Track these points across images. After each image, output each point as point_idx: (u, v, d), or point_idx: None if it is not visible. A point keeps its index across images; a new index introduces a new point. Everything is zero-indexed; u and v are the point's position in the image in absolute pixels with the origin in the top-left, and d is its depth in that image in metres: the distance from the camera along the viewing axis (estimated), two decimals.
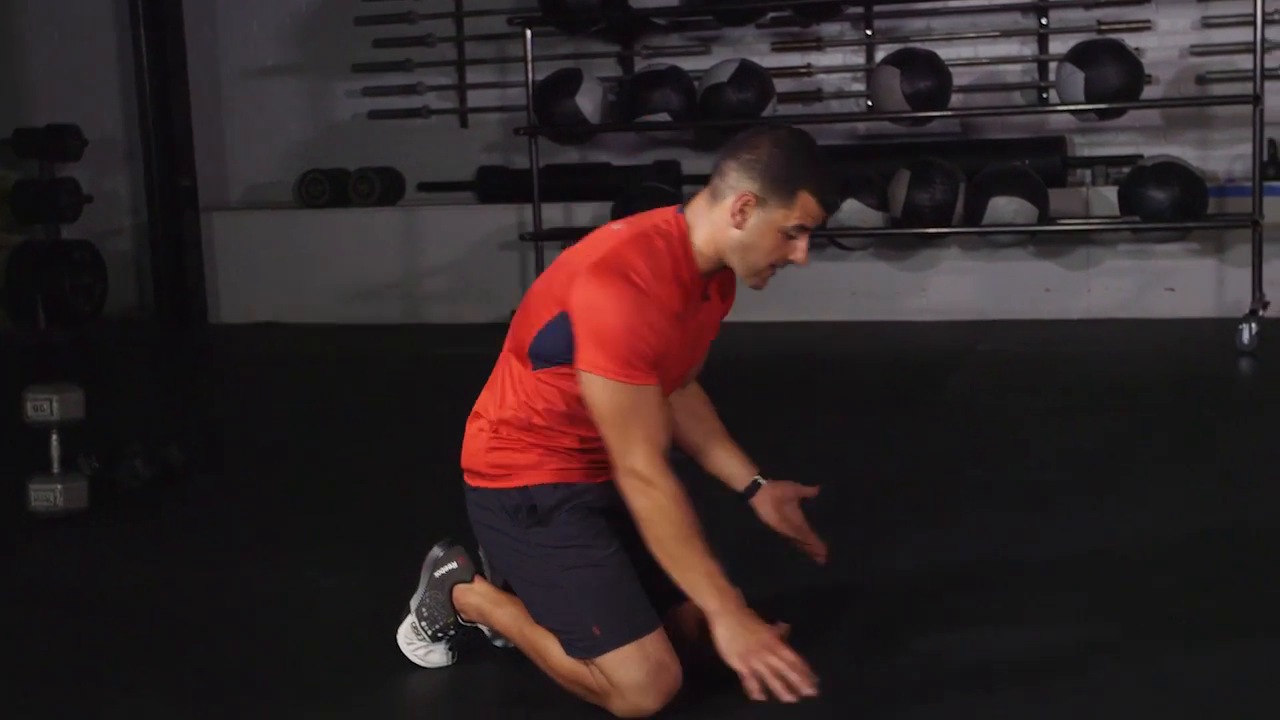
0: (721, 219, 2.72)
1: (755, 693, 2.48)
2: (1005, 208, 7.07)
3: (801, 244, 2.75)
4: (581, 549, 2.75)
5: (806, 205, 2.71)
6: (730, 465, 3.02)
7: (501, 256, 8.27)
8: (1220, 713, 2.70)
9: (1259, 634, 3.07)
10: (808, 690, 2.45)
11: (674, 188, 7.83)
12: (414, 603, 3.04)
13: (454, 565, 3.02)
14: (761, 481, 3.00)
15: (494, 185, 8.55)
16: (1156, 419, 5.26)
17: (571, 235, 7.94)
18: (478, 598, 2.98)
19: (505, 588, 3.04)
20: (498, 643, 3.09)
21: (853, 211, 7.24)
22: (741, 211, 2.70)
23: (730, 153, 2.74)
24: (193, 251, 8.75)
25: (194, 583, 3.76)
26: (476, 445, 2.86)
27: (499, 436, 2.82)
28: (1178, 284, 7.39)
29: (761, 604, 2.66)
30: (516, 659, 3.01)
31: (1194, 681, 2.82)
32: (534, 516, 2.78)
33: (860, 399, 5.86)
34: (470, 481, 2.88)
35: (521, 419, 2.79)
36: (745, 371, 6.50)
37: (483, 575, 3.03)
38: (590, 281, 2.63)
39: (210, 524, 4.37)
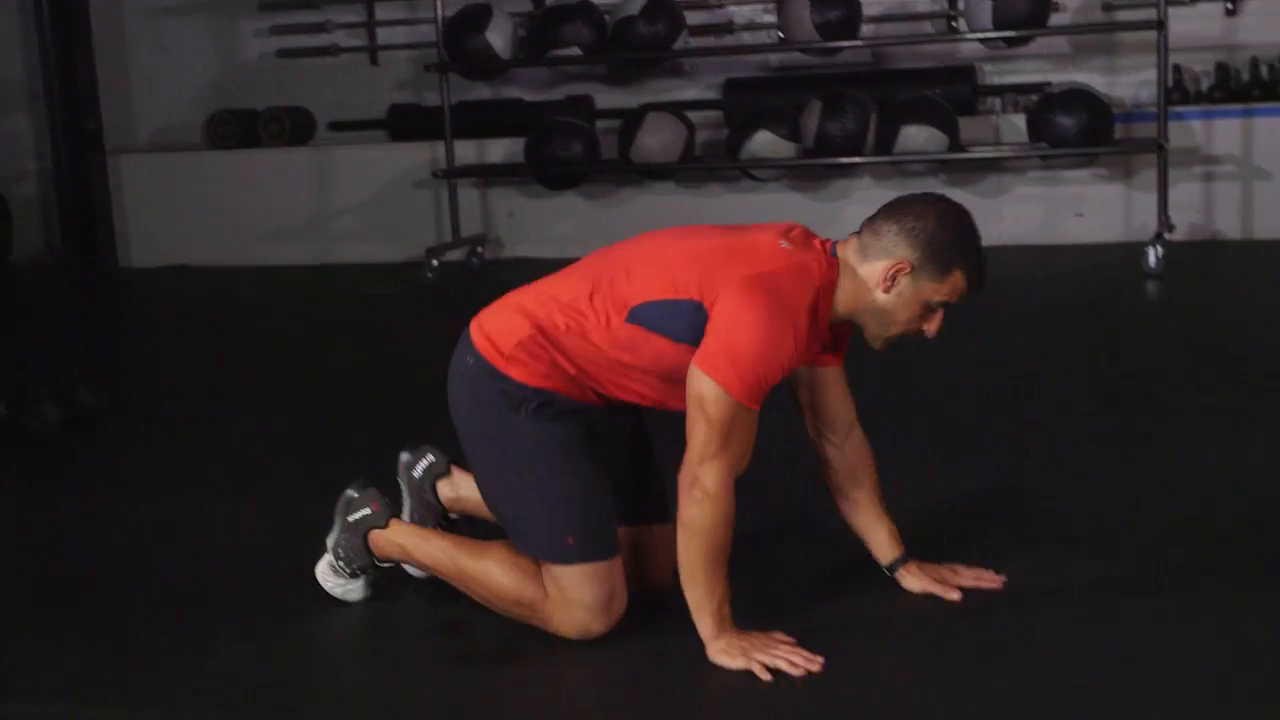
0: (869, 279, 2.69)
1: (764, 676, 2.57)
2: (916, 136, 7.11)
3: (937, 319, 2.74)
4: (571, 455, 2.75)
5: (956, 284, 2.69)
6: (877, 534, 2.94)
7: (415, 195, 8.22)
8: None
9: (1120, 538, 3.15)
10: (814, 665, 2.57)
11: (587, 122, 7.80)
12: (330, 542, 3.03)
13: (368, 511, 3.01)
14: (903, 562, 2.92)
15: (406, 123, 8.47)
16: (1065, 341, 5.34)
17: (484, 172, 7.92)
18: (397, 544, 2.98)
19: (426, 513, 3.06)
20: (413, 570, 3.11)
21: (765, 143, 7.26)
22: (893, 278, 2.67)
23: (891, 215, 2.70)
24: (100, 195, 8.61)
25: (106, 524, 3.74)
26: (510, 327, 2.76)
27: (533, 341, 2.73)
28: (1086, 209, 7.48)
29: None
30: (436, 587, 3.02)
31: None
32: (532, 409, 2.73)
33: None
34: (481, 348, 2.78)
35: (564, 342, 2.72)
36: None
37: (398, 518, 3.04)
38: (748, 296, 2.59)
39: (122, 466, 4.34)
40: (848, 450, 2.91)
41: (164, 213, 8.57)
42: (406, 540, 2.97)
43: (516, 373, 2.74)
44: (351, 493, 3.03)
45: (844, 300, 2.72)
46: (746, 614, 2.67)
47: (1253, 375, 4.70)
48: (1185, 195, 7.23)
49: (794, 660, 2.58)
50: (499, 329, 2.78)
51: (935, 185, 7.58)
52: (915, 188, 7.53)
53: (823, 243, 2.74)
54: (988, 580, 2.90)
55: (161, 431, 4.75)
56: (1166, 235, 6.66)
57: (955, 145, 7.19)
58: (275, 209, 8.41)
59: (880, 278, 2.68)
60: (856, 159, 7.26)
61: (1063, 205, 7.51)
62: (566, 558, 2.73)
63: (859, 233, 2.73)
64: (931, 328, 2.74)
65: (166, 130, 8.99)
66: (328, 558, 3.04)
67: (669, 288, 2.66)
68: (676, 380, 2.68)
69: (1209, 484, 3.59)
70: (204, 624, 3.02)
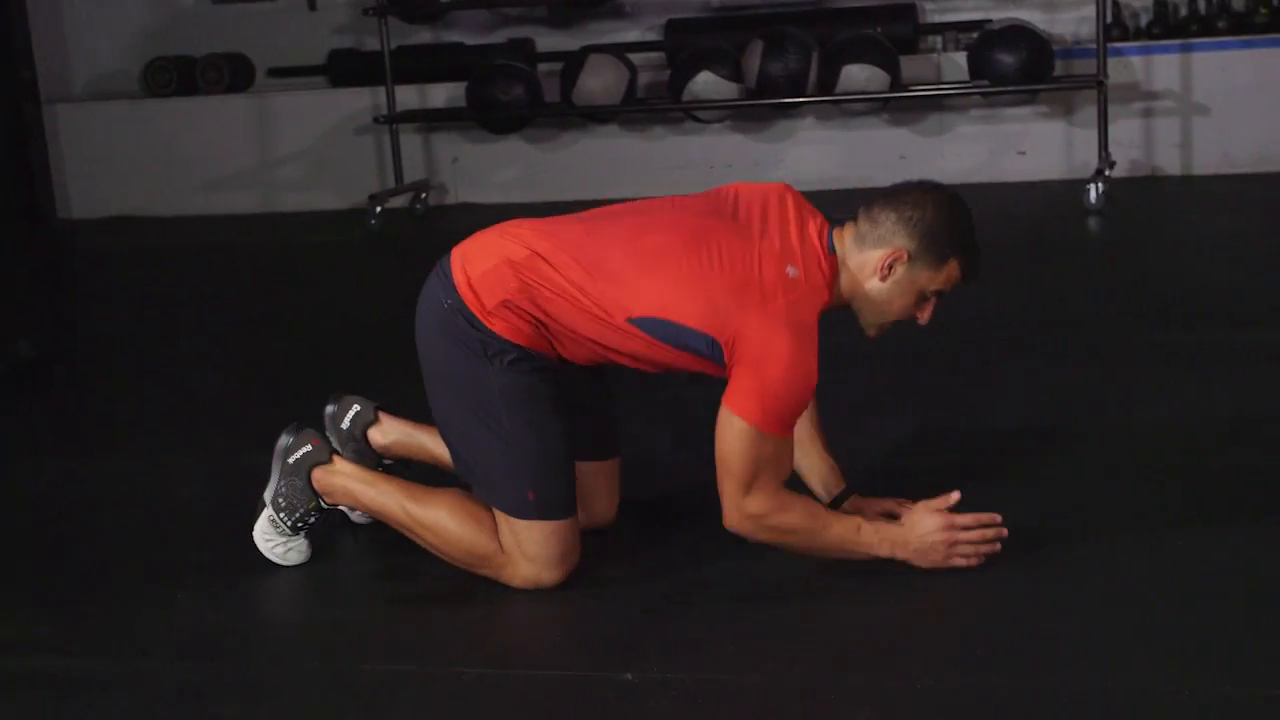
0: (866, 266, 2.71)
1: (975, 563, 2.71)
2: (858, 75, 7.11)
3: (930, 307, 2.76)
4: (538, 410, 2.74)
5: (951, 273, 2.72)
6: (820, 471, 2.97)
7: (356, 141, 8.16)
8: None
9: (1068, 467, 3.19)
10: (1000, 534, 2.72)
11: (528, 65, 7.76)
12: (268, 495, 2.97)
13: (308, 448, 2.96)
14: (846, 497, 2.94)
15: (346, 69, 8.40)
16: (1007, 278, 5.37)
17: (426, 117, 7.87)
18: (343, 478, 2.94)
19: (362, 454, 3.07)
20: (355, 517, 3.11)
21: (707, 84, 7.24)
22: (890, 267, 2.69)
23: (889, 204, 2.71)
24: (37, 145, 8.50)
25: (51, 476, 3.73)
26: (496, 281, 2.72)
27: (518, 303, 2.71)
28: (1028, 147, 7.51)
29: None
30: (380, 533, 3.03)
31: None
32: (507, 361, 2.72)
33: None
34: (463, 293, 2.73)
35: (552, 313, 2.71)
36: None
37: (339, 454, 3.02)
38: (771, 335, 2.59)
39: (65, 418, 4.32)
40: (815, 452, 2.96)
41: (103, 163, 8.47)
42: (353, 484, 2.93)
43: (497, 327, 2.72)
44: (286, 437, 2.98)
45: (843, 291, 2.74)
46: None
47: (1193, 310, 4.75)
48: (1125, 131, 7.27)
49: (985, 539, 2.69)
50: (483, 279, 2.73)
51: (878, 124, 7.61)
52: (858, 127, 7.61)
53: (819, 231, 2.73)
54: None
55: (105, 383, 4.72)
56: (1107, 172, 6.70)
57: (897, 84, 7.20)
58: (216, 157, 8.33)
59: (877, 266, 2.70)
60: (799, 99, 7.26)
61: (1004, 143, 7.54)
62: (524, 513, 2.74)
63: (854, 219, 2.74)
64: (924, 315, 2.78)
65: (103, 78, 8.87)
66: (266, 513, 2.96)
67: (671, 309, 2.65)
68: (666, 369, 2.76)
69: (1151, 417, 3.64)
70: (152, 574, 3.01)
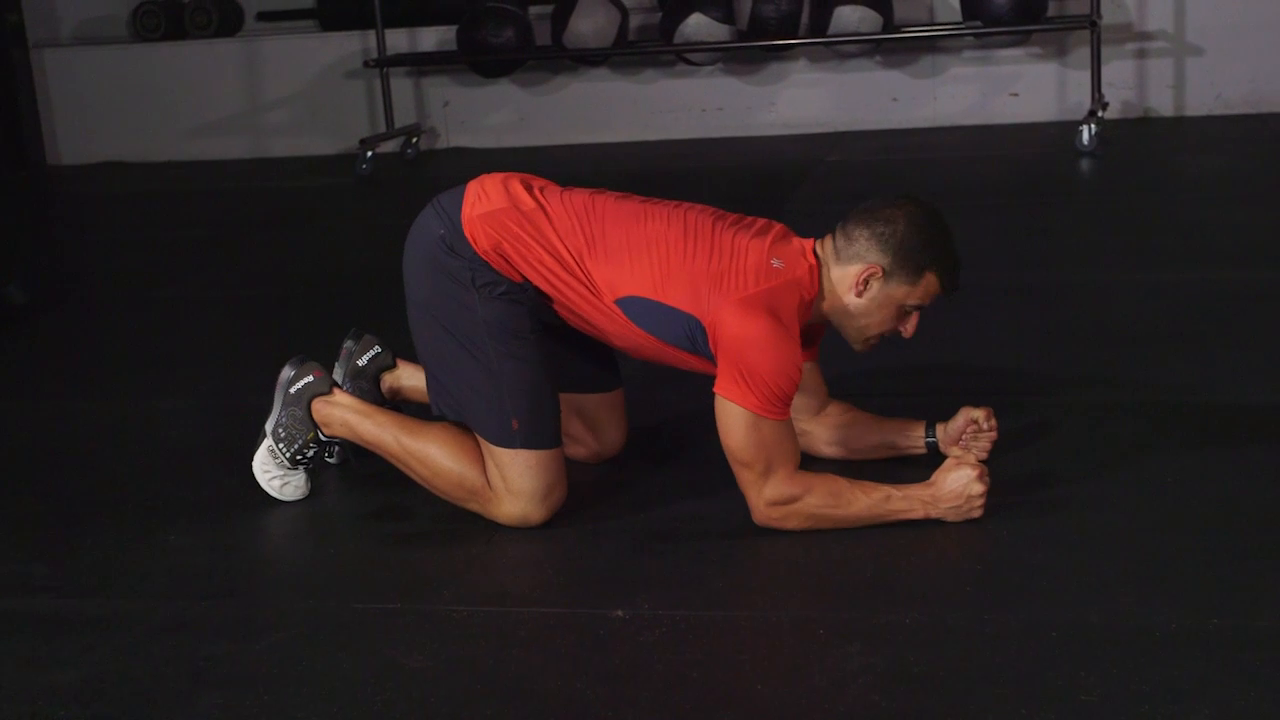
0: (842, 283, 2.72)
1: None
2: (850, 16, 7.07)
3: (913, 320, 2.77)
4: (523, 342, 2.77)
5: (929, 286, 2.72)
6: (892, 430, 2.99)
7: (346, 85, 8.12)
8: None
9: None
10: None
11: (519, 8, 7.71)
12: (269, 426, 3.00)
13: (310, 379, 2.99)
14: (935, 434, 2.97)
15: (336, 12, 8.34)
16: (1001, 220, 5.37)
17: (416, 61, 7.82)
18: (341, 410, 2.96)
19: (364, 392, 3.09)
20: (332, 460, 3.12)
21: (699, 26, 7.20)
22: (865, 283, 2.70)
23: (863, 220, 2.72)
24: (25, 91, 8.45)
25: (40, 417, 3.73)
26: (496, 228, 2.75)
27: (511, 258, 2.75)
28: (1021, 89, 7.48)
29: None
30: (374, 469, 3.04)
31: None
32: (497, 292, 2.75)
33: None
34: (466, 224, 2.77)
35: (544, 277, 2.75)
36: None
37: (339, 386, 3.04)
38: (748, 318, 2.62)
39: (57, 361, 4.32)
40: (826, 418, 2.99)
41: (92, 108, 8.43)
42: (350, 415, 2.95)
43: (493, 262, 2.76)
44: (289, 370, 3.01)
45: (825, 303, 2.76)
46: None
47: (1185, 251, 4.75)
48: (1118, 72, 7.25)
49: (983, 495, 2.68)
50: (486, 219, 2.76)
51: (870, 67, 7.57)
52: (850, 69, 7.58)
53: (801, 243, 2.76)
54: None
55: (97, 327, 4.71)
56: (1100, 113, 6.68)
57: (889, 25, 7.16)
58: (206, 102, 8.29)
59: (852, 282, 2.72)
60: (791, 41, 7.23)
61: (997, 85, 7.51)
62: (509, 442, 2.76)
63: (833, 235, 2.75)
64: (908, 329, 2.79)
65: (90, 23, 8.81)
66: (266, 443, 3.00)
67: (659, 290, 2.69)
68: (645, 356, 2.80)
69: (1142, 356, 3.65)
70: (144, 514, 3.02)
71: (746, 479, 2.67)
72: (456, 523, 2.85)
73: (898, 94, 7.58)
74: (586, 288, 2.74)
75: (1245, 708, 2.05)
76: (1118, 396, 3.37)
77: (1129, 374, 3.52)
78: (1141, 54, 7.33)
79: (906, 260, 2.69)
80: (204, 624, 2.53)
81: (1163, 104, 7.34)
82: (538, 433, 2.77)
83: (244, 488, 3.02)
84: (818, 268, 2.74)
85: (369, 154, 7.31)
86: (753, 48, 7.41)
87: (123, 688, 2.32)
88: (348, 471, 3.12)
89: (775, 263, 2.69)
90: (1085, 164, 6.39)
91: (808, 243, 2.77)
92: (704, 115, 7.76)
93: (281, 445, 2.99)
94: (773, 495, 2.65)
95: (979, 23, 7.04)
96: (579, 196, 2.83)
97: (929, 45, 7.50)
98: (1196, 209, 5.39)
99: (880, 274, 2.70)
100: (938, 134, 7.37)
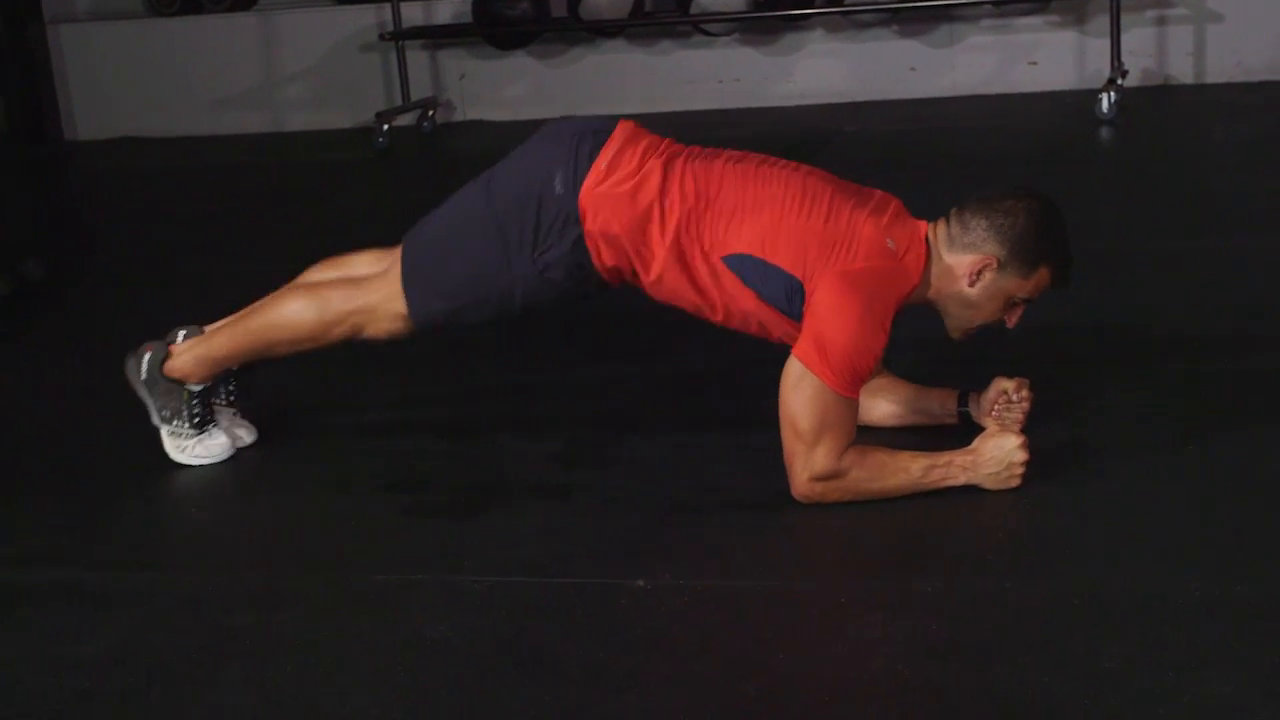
0: (953, 271, 2.71)
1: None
2: None
3: (1018, 313, 2.77)
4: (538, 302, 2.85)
5: (1041, 281, 2.72)
6: (928, 397, 2.99)
7: (363, 58, 8.10)
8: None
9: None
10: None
11: None
12: (154, 419, 3.07)
13: (147, 355, 3.06)
14: (966, 397, 2.95)
15: None
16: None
17: (432, 33, 7.80)
18: (186, 352, 3.04)
19: None
20: (232, 400, 3.16)
21: None
22: (979, 274, 2.70)
23: (981, 210, 2.71)
24: (42, 66, 8.45)
25: (61, 393, 3.74)
26: (622, 211, 2.74)
27: (624, 241, 2.76)
28: (1040, 57, 7.43)
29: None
30: (388, 444, 3.03)
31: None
32: (560, 265, 2.79)
33: None
34: (583, 201, 2.76)
35: (654, 250, 2.75)
36: None
37: (172, 343, 3.08)
38: (844, 292, 2.61)
39: (71, 334, 4.33)
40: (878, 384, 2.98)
41: (108, 83, 8.42)
42: (196, 349, 3.04)
43: (589, 245, 2.76)
44: (129, 365, 3.08)
45: (930, 288, 2.74)
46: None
47: (1205, 218, 4.72)
48: (1138, 40, 7.19)
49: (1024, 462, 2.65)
50: (610, 202, 2.75)
51: (888, 36, 7.53)
52: (867, 39, 7.54)
53: (916, 225, 2.75)
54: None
55: (116, 302, 4.72)
56: (1120, 81, 6.64)
57: None
58: (222, 77, 8.27)
59: (965, 271, 2.71)
60: (808, 11, 7.19)
61: (1016, 54, 7.46)
62: (417, 314, 2.86)
63: (947, 220, 2.74)
64: (1012, 320, 2.79)
65: None
66: (164, 432, 3.07)
67: (766, 248, 2.68)
68: (740, 318, 2.78)
69: (1162, 323, 3.63)
70: (165, 489, 3.03)
71: (795, 449, 2.63)
72: (475, 494, 2.85)
73: (916, 63, 7.53)
74: (699, 256, 2.72)
75: (1268, 674, 2.04)
76: (1140, 366, 3.36)
77: (1148, 343, 3.50)
78: (1161, 21, 7.27)
79: (1023, 253, 2.69)
80: (226, 596, 2.54)
81: (1183, 71, 7.29)
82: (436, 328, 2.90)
83: (266, 461, 3.03)
84: (926, 254, 2.72)
85: (385, 127, 7.29)
86: (769, 18, 7.37)
87: (145, 659, 2.33)
88: (360, 444, 3.12)
89: (889, 243, 2.68)
90: (1105, 132, 6.35)
91: (922, 226, 2.76)
92: (721, 86, 7.73)
93: (175, 422, 3.05)
94: (819, 469, 2.62)
95: None
96: (698, 163, 2.80)
97: (947, 14, 7.45)
98: (1217, 177, 5.36)
99: (995, 265, 2.69)
100: (956, 103, 7.32)
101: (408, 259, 2.89)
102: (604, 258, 2.77)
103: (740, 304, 2.75)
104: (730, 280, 2.72)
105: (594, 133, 2.81)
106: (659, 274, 2.76)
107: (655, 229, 2.74)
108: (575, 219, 2.76)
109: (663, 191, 2.74)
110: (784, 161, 2.84)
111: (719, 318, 2.81)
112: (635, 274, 2.79)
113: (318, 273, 3.10)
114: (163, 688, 2.24)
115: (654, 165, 2.77)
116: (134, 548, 2.77)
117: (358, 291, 2.91)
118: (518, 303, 2.83)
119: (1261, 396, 3.10)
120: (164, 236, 5.72)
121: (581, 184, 2.75)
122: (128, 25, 8.52)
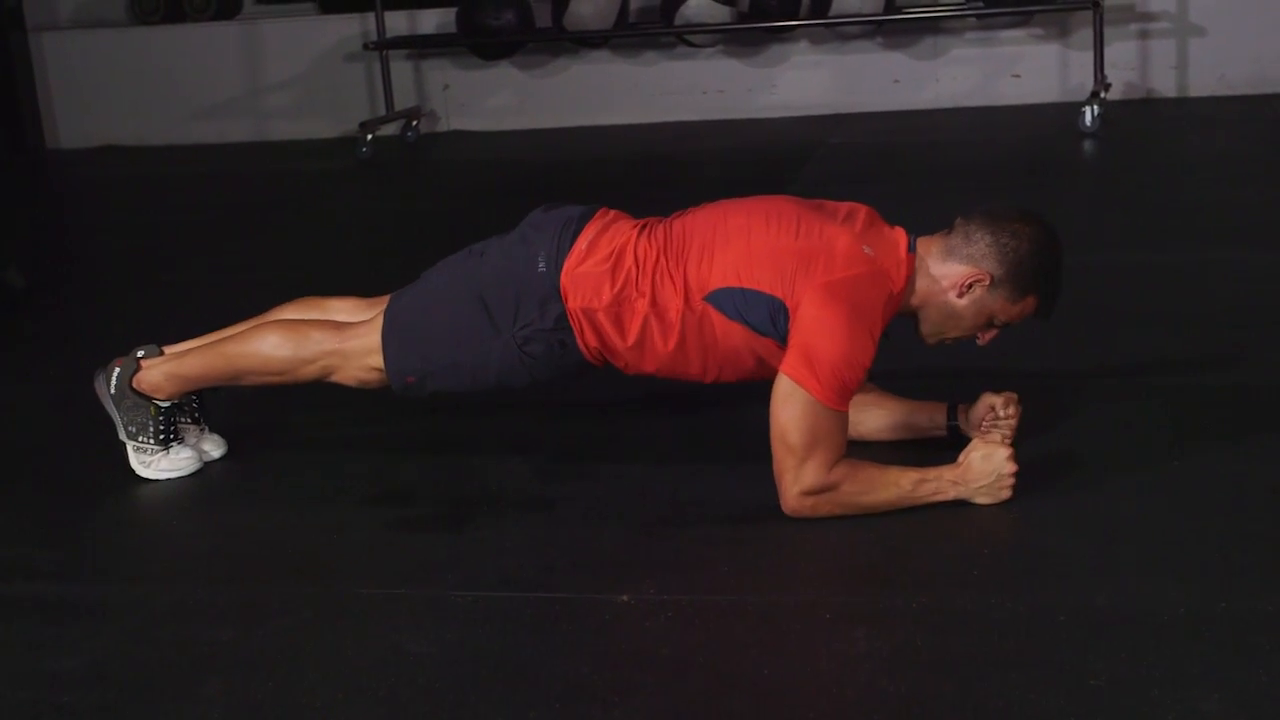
0: (944, 279, 2.71)
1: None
2: None
3: (993, 334, 2.78)
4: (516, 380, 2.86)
5: (1026, 308, 2.74)
6: (920, 415, 2.97)
7: (346, 68, 8.08)
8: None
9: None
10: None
11: None
12: (121, 434, 3.06)
13: (116, 370, 3.05)
14: (954, 410, 2.94)
15: None
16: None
17: (416, 43, 7.80)
18: (157, 368, 3.03)
19: None
20: (199, 418, 3.15)
21: (700, 7, 7.17)
22: (969, 286, 2.70)
23: (989, 225, 2.71)
24: (23, 75, 8.42)
25: (41, 401, 3.72)
26: (599, 277, 2.77)
27: (594, 314, 2.77)
28: (1023, 70, 7.45)
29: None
30: (376, 458, 3.02)
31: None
32: (539, 346, 2.81)
33: (711, 194, 5.86)
34: (564, 284, 2.79)
35: (621, 306, 2.77)
36: (599, 174, 6.50)
37: (141, 358, 3.07)
38: (828, 303, 2.61)
39: (52, 343, 4.30)
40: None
41: (90, 92, 8.40)
42: (168, 365, 3.03)
43: (573, 323, 2.78)
44: (98, 381, 3.08)
45: (915, 296, 2.74)
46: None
47: (1188, 231, 4.73)
48: (1121, 53, 7.22)
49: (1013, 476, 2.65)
50: (591, 280, 2.77)
51: (872, 48, 7.54)
52: (851, 51, 7.55)
53: (893, 232, 2.75)
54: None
55: (96, 311, 4.70)
56: (1102, 94, 6.66)
57: (891, 6, 7.14)
58: (205, 86, 8.25)
59: (957, 281, 2.71)
60: (792, 23, 7.20)
61: (999, 66, 7.48)
62: (397, 380, 2.88)
63: (949, 232, 2.74)
64: (985, 339, 2.80)
65: (89, 6, 8.77)
66: (129, 449, 3.06)
67: (743, 275, 2.69)
68: (732, 361, 2.77)
69: (1144, 337, 3.63)
70: (145, 499, 3.01)
71: (786, 464, 2.63)
72: (458, 508, 2.84)
73: (899, 75, 7.55)
74: (679, 301, 2.73)
75: (1254, 691, 2.04)
76: (1124, 379, 3.36)
77: (1134, 356, 3.51)
78: (1144, 34, 7.30)
79: (1017, 278, 2.69)
80: (207, 609, 2.52)
81: (1165, 85, 7.31)
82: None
83: (247, 476, 3.01)
84: (910, 261, 2.72)
85: (369, 137, 7.28)
86: (754, 29, 7.38)
87: (126, 673, 2.31)
88: (349, 456, 3.10)
89: (866, 249, 2.68)
90: (1088, 145, 6.37)
91: (900, 232, 2.76)
92: (705, 97, 7.73)
93: (140, 439, 3.04)
94: (809, 484, 2.61)
95: (981, 4, 7.02)
96: (668, 223, 2.84)
97: (931, 26, 7.47)
98: (1199, 190, 5.37)
99: (988, 282, 2.70)
100: (940, 115, 7.34)
101: (390, 313, 2.90)
102: (587, 337, 2.79)
103: (730, 342, 2.74)
104: (717, 320, 2.72)
105: (577, 218, 2.87)
106: (637, 337, 2.77)
107: (632, 291, 2.75)
108: (557, 296, 2.78)
109: (637, 257, 2.77)
110: (748, 197, 2.86)
111: (710, 377, 2.82)
112: (614, 349, 2.80)
113: (293, 310, 3.10)
114: (143, 702, 2.23)
115: (629, 238, 2.81)
116: (113, 560, 2.76)
117: (338, 335, 2.91)
118: (493, 375, 2.84)
119: (1247, 409, 3.10)
120: (146, 246, 5.69)
121: (563, 264, 2.79)
122: (110, 34, 8.50)
